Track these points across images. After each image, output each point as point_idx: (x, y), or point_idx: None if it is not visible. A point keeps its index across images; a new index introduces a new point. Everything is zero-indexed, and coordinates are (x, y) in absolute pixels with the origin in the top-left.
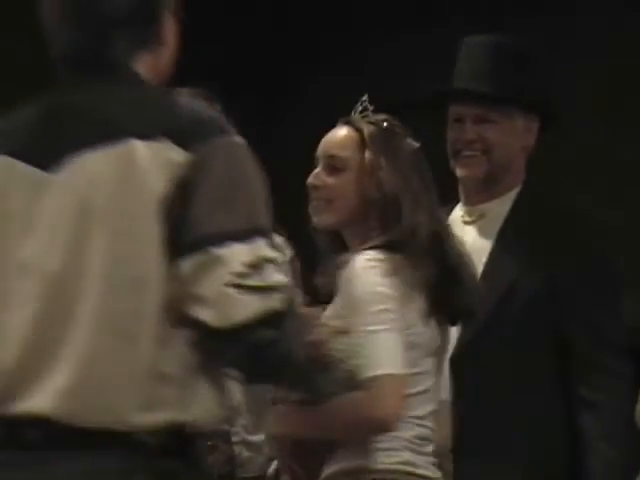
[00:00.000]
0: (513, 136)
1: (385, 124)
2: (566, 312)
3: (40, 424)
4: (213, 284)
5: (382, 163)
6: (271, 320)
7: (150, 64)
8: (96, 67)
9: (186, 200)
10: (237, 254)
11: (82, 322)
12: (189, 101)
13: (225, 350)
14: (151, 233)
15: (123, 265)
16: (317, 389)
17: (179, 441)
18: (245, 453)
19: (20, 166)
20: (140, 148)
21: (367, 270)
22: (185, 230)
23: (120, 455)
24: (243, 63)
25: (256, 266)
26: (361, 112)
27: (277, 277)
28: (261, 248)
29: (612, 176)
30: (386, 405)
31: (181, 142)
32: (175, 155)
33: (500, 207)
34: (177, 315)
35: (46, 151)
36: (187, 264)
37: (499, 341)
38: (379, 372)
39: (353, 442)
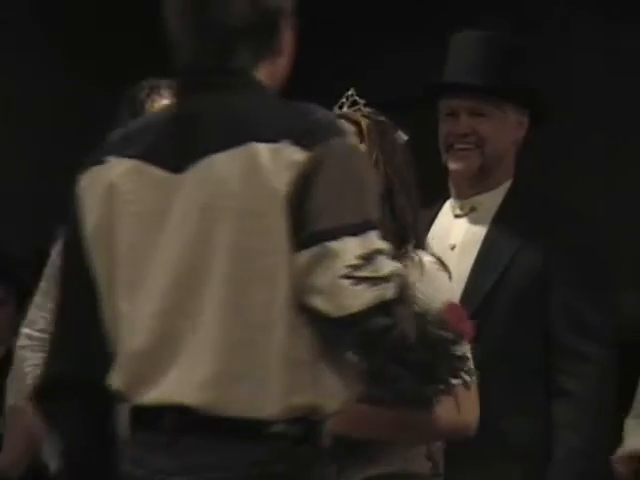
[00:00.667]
0: (506, 130)
1: (380, 117)
2: (552, 300)
3: (177, 411)
4: (329, 276)
5: (379, 157)
6: (384, 308)
7: (269, 72)
8: (220, 76)
9: (305, 197)
10: (351, 247)
11: (213, 315)
12: (306, 105)
13: (343, 336)
14: (277, 228)
15: (251, 259)
16: (432, 376)
17: (309, 427)
18: None
19: (151, 169)
20: (263, 150)
21: None
22: (304, 225)
23: (258, 444)
24: None
25: (368, 258)
26: (351, 106)
27: (388, 267)
28: (373, 240)
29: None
30: (473, 409)
31: (301, 143)
32: (296, 155)
33: (492, 200)
34: (299, 304)
35: (176, 155)
36: (305, 257)
37: (491, 330)
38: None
39: (402, 446)
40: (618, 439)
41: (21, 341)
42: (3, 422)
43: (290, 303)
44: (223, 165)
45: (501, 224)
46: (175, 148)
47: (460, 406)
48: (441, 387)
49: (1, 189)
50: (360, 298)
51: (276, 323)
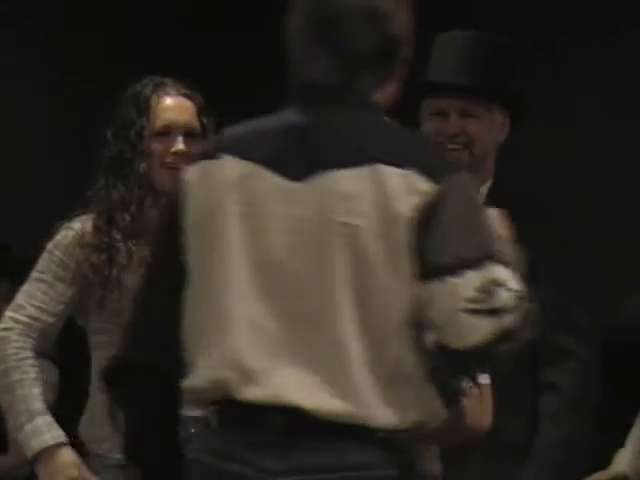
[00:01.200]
0: (492, 131)
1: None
2: (537, 297)
3: (288, 412)
4: (447, 310)
5: None
6: (503, 337)
7: (383, 95)
8: (342, 95)
9: (428, 227)
10: (470, 281)
11: (332, 322)
12: (420, 133)
13: (457, 366)
14: (398, 250)
15: (370, 276)
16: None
17: (408, 439)
18: None
19: (268, 175)
20: (390, 174)
21: None
22: (424, 254)
23: (365, 449)
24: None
25: (487, 290)
26: None
27: (507, 298)
28: (491, 272)
29: None
30: (488, 413)
31: (427, 173)
32: (422, 185)
33: None
34: (416, 330)
35: (297, 164)
36: (425, 289)
37: None
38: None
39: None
40: (611, 435)
41: (5, 323)
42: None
43: (405, 323)
44: (348, 182)
45: None
46: (296, 157)
47: (482, 410)
48: (469, 383)
49: (2, 188)
50: (478, 331)
51: (392, 339)
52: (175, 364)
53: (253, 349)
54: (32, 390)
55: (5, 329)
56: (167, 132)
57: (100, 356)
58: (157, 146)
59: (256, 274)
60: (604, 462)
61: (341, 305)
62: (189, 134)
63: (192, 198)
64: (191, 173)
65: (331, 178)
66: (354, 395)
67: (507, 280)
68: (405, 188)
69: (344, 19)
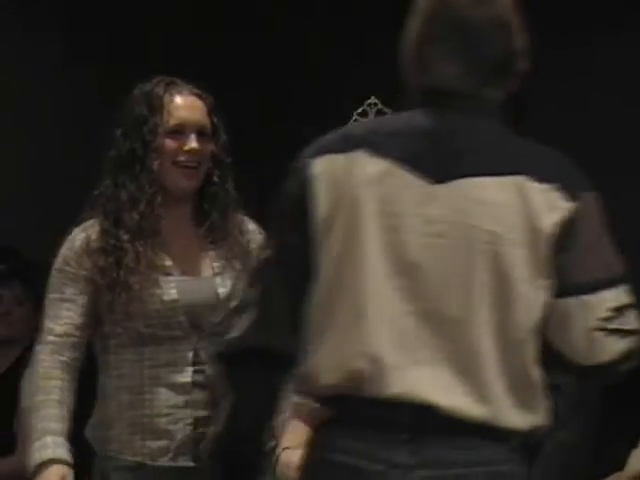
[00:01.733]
0: None
1: None
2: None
3: (418, 409)
4: (581, 328)
5: None
6: (628, 359)
7: None
8: (471, 103)
9: (565, 244)
10: (604, 300)
11: (466, 325)
12: (550, 148)
13: (583, 381)
14: (538, 264)
15: (509, 281)
16: None
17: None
18: None
19: (404, 173)
20: (532, 188)
21: None
22: (561, 271)
23: (494, 446)
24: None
25: (619, 311)
26: (377, 114)
27: (634, 320)
28: (623, 294)
29: None
30: None
31: (566, 191)
32: (561, 202)
33: None
34: (546, 345)
35: (432, 166)
36: (560, 305)
37: None
38: None
39: None
40: (614, 436)
41: (38, 344)
42: (17, 423)
43: (536, 333)
44: (492, 189)
45: None
46: (432, 160)
47: None
48: None
49: (13, 192)
50: (610, 350)
51: (523, 346)
52: (290, 353)
53: (390, 345)
54: (50, 411)
55: (37, 351)
56: (180, 130)
57: (108, 360)
58: (170, 143)
59: (392, 272)
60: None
61: (478, 308)
62: (201, 133)
63: (323, 192)
64: (319, 166)
65: (472, 184)
66: (486, 396)
67: (632, 302)
68: (547, 204)
69: (475, 27)
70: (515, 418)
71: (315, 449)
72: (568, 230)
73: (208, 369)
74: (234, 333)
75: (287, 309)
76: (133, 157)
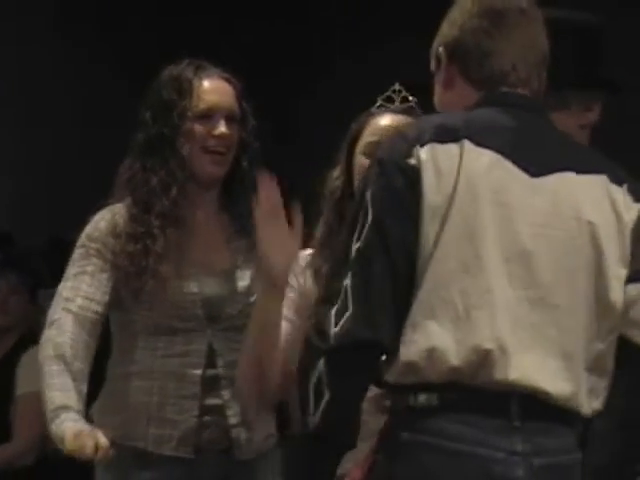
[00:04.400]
0: (568, 121)
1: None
2: None
3: (528, 395)
4: None
5: None
6: None
7: None
8: (534, 101)
9: (636, 241)
10: None
11: (572, 313)
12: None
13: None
14: (624, 254)
15: (606, 275)
16: None
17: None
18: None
19: (510, 166)
20: (613, 187)
21: None
22: (634, 260)
23: (572, 433)
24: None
25: None
26: (402, 102)
27: None
28: None
29: None
30: None
31: (633, 194)
32: (633, 202)
33: None
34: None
35: (530, 160)
36: (631, 290)
37: None
38: None
39: None
40: None
41: (58, 314)
42: (14, 410)
43: (613, 321)
44: (587, 186)
45: None
46: (531, 154)
47: None
48: None
49: (17, 182)
50: None
51: (609, 333)
52: (392, 345)
53: (510, 330)
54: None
55: (58, 320)
56: (210, 115)
57: (121, 345)
58: (199, 128)
59: (507, 259)
60: None
61: (580, 296)
62: (230, 118)
63: (432, 180)
64: (425, 154)
65: (567, 179)
66: (579, 383)
67: None
68: (624, 203)
69: (519, 22)
70: (587, 405)
71: (411, 433)
72: (638, 227)
73: (221, 361)
74: (331, 328)
75: (392, 300)
76: (162, 141)
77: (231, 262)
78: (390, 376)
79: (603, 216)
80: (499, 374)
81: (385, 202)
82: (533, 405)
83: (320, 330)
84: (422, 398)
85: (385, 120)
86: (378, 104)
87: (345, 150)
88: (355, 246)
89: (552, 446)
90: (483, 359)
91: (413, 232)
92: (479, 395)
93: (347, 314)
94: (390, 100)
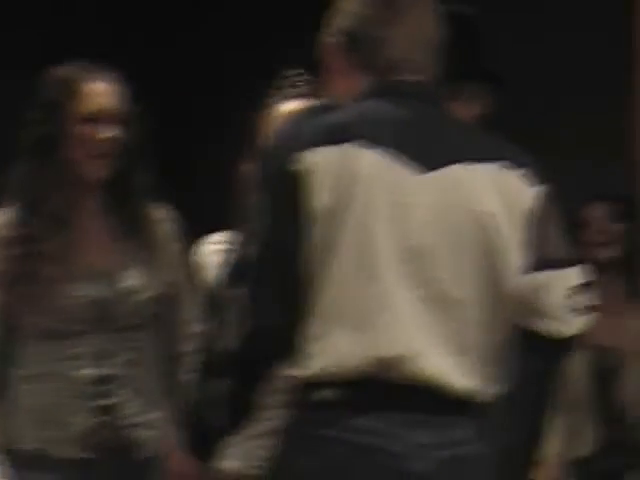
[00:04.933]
0: (463, 108)
1: None
2: None
3: (432, 390)
4: (553, 301)
5: None
6: (578, 337)
7: None
8: (427, 89)
9: (538, 225)
10: (570, 278)
11: (464, 308)
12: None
13: (547, 355)
14: (519, 242)
15: (499, 267)
16: None
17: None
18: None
19: (401, 163)
20: (509, 173)
21: None
22: (531, 247)
23: (474, 424)
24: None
25: (577, 290)
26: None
27: (588, 301)
28: (581, 275)
29: None
30: None
31: (531, 177)
32: (531, 187)
33: None
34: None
35: (424, 155)
36: (532, 279)
37: None
38: None
39: None
40: None
41: None
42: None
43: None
44: (479, 175)
45: None
46: (422, 148)
47: None
48: None
49: None
50: (572, 325)
51: (502, 325)
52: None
53: (411, 331)
54: None
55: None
56: (96, 118)
57: (12, 351)
58: (85, 131)
59: (402, 261)
60: None
61: (473, 288)
62: (117, 121)
63: (321, 185)
64: (311, 159)
65: (461, 170)
66: (478, 375)
67: (587, 282)
68: (521, 188)
69: (413, 10)
70: (486, 395)
71: (317, 428)
72: (537, 212)
73: (115, 361)
74: (217, 340)
75: (278, 309)
76: (49, 143)
77: (118, 263)
78: (293, 371)
79: (497, 205)
80: (404, 373)
81: (273, 210)
82: (437, 399)
83: (215, 333)
84: (328, 393)
85: (288, 106)
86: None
87: (253, 143)
88: (244, 251)
89: (457, 437)
90: (388, 363)
91: (302, 237)
92: (385, 390)
93: (246, 325)
94: (279, 88)
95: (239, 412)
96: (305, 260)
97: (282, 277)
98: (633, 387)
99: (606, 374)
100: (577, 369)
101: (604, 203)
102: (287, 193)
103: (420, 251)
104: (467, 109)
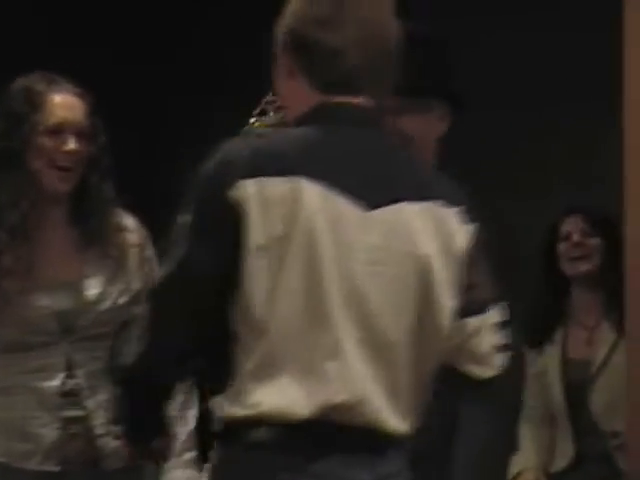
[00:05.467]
0: (430, 126)
1: None
2: None
3: (374, 433)
4: (487, 343)
5: None
6: (500, 376)
7: None
8: (372, 117)
9: (472, 265)
10: (496, 317)
11: (398, 351)
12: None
13: (475, 393)
14: (454, 285)
15: (434, 310)
16: None
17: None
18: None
19: (343, 200)
20: (447, 212)
21: None
22: (462, 293)
23: (403, 456)
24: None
25: (500, 328)
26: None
27: (508, 338)
28: (502, 313)
29: None
30: None
31: (466, 215)
32: (465, 225)
33: None
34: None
35: (366, 193)
36: (472, 322)
37: None
38: None
39: None
40: None
41: None
42: None
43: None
44: (418, 215)
45: None
46: (364, 185)
47: None
48: None
49: None
50: (496, 364)
51: (434, 363)
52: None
53: (358, 379)
54: None
55: None
56: (60, 130)
57: None
58: (49, 143)
59: (346, 305)
60: None
61: (412, 333)
62: (80, 134)
63: (259, 216)
64: (250, 188)
65: (402, 210)
66: (409, 414)
67: (507, 318)
68: (457, 227)
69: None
70: (413, 429)
71: (252, 469)
72: (472, 252)
73: (81, 372)
74: (122, 358)
75: (185, 336)
76: (11, 155)
77: (81, 273)
78: (228, 407)
79: (434, 247)
80: (346, 417)
81: (199, 234)
82: (372, 439)
83: (120, 356)
84: (265, 433)
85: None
86: (252, 120)
87: None
88: (160, 273)
89: (391, 471)
90: (334, 409)
91: (228, 271)
92: (323, 432)
93: (143, 342)
94: (264, 113)
95: (138, 428)
96: (242, 293)
97: (193, 300)
98: (604, 399)
99: (578, 387)
100: (552, 383)
101: (580, 217)
102: (218, 218)
103: (362, 294)
104: (432, 127)
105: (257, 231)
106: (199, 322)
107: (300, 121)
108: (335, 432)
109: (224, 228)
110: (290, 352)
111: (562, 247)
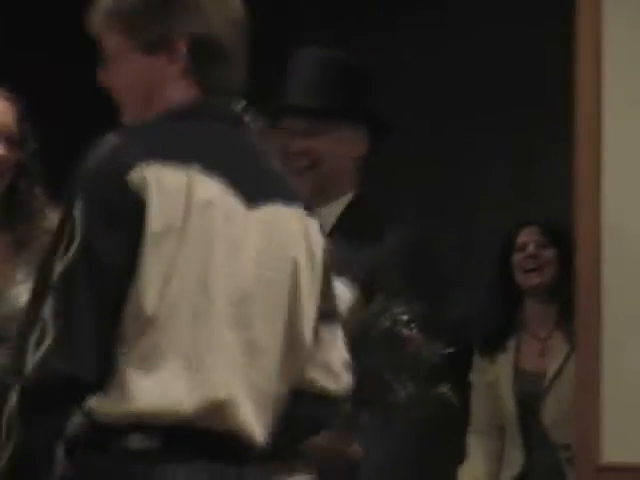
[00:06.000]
0: (342, 146)
1: None
2: None
3: (241, 441)
4: (339, 355)
5: None
6: (348, 394)
7: None
8: (234, 112)
9: (328, 272)
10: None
11: (270, 357)
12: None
13: (321, 409)
14: (312, 292)
15: (300, 314)
16: None
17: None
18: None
19: (232, 196)
20: (310, 219)
21: None
22: (326, 298)
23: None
24: None
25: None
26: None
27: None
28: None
29: None
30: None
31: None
32: (320, 235)
33: (329, 213)
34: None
35: (246, 190)
36: (326, 331)
37: None
38: None
39: None
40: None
41: None
42: None
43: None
44: (291, 218)
45: (337, 235)
46: (243, 183)
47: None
48: None
49: None
50: (345, 380)
51: (289, 377)
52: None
53: (235, 380)
54: None
55: None
56: None
57: None
58: None
59: (230, 303)
60: None
61: (281, 339)
62: (8, 139)
63: (157, 205)
64: (150, 174)
65: (279, 212)
66: (268, 424)
67: None
68: (317, 232)
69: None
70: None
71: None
72: (325, 261)
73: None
74: (28, 359)
75: (96, 333)
76: None
77: (12, 280)
78: (100, 414)
79: (303, 252)
80: (226, 422)
81: (98, 221)
82: (240, 449)
83: (14, 361)
84: (141, 440)
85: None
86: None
87: None
88: (58, 268)
89: None
90: (216, 408)
91: (129, 260)
92: (202, 439)
93: (45, 344)
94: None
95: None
96: (135, 282)
97: (102, 303)
98: (555, 411)
99: (530, 398)
100: (504, 393)
101: (536, 228)
102: (119, 207)
103: (243, 294)
104: (343, 147)
105: (155, 219)
106: (107, 320)
107: (178, 114)
108: (205, 439)
109: (124, 215)
110: (174, 343)
111: (517, 258)
